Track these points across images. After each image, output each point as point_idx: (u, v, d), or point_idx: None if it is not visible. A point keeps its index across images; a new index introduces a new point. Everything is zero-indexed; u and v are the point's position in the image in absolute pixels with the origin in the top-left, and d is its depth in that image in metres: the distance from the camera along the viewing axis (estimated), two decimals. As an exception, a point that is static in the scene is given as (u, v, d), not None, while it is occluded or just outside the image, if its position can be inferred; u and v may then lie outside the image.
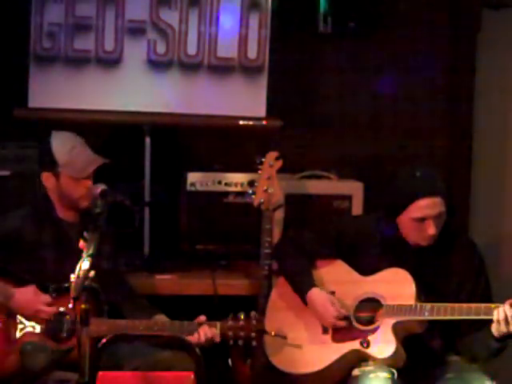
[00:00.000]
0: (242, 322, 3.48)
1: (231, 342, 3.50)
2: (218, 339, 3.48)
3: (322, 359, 3.49)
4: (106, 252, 3.63)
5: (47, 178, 3.63)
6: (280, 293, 3.72)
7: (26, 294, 3.43)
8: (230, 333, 3.48)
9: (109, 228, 3.61)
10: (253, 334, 3.49)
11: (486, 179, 5.00)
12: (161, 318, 3.62)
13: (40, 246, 3.57)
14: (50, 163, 3.61)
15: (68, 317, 3.43)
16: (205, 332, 3.46)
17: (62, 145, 3.63)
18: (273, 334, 3.55)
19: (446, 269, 3.49)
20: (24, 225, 3.59)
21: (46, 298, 3.44)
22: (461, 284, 3.47)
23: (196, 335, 3.47)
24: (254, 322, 3.50)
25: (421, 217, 3.39)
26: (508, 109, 4.95)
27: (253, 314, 3.51)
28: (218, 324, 3.49)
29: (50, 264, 3.55)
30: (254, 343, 3.51)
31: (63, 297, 3.41)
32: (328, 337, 3.53)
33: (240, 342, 3.49)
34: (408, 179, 3.46)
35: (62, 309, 3.46)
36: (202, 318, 3.52)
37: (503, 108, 4.97)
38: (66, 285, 3.35)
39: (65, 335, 3.43)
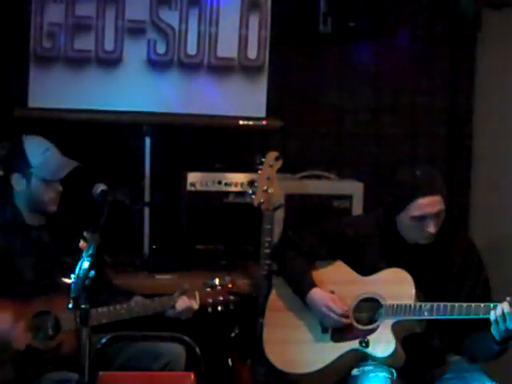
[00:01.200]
0: (218, 287, 3.59)
1: (210, 310, 3.57)
2: (196, 306, 3.54)
3: (322, 359, 3.49)
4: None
5: (17, 180, 3.58)
6: (279, 293, 3.72)
7: (3, 322, 3.33)
8: (210, 299, 3.57)
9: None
10: (231, 297, 3.59)
11: (486, 179, 5.00)
12: (138, 298, 3.60)
13: (11, 255, 3.51)
14: (22, 164, 3.57)
15: (50, 315, 3.41)
16: (180, 304, 3.52)
17: (36, 146, 3.60)
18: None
19: (444, 267, 3.49)
20: None
21: (8, 316, 3.34)
22: (460, 283, 3.48)
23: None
24: (229, 285, 3.60)
25: (421, 215, 3.39)
26: (508, 109, 4.95)
27: (226, 278, 3.62)
28: (197, 292, 3.57)
29: (25, 271, 3.50)
30: (232, 307, 3.60)
31: (40, 297, 3.40)
32: (327, 336, 3.53)
33: (220, 308, 3.57)
34: (408, 178, 3.46)
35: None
36: (186, 286, 3.58)
37: (503, 108, 4.97)
38: (44, 283, 3.39)
39: (50, 333, 3.41)
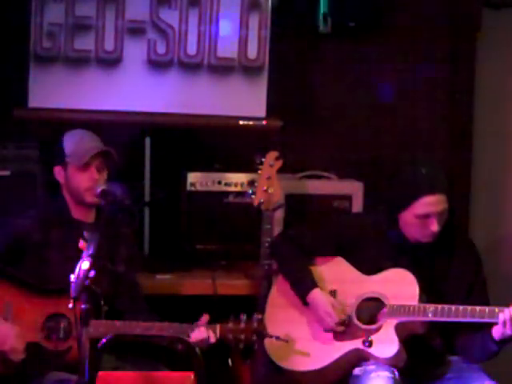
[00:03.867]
0: (242, 325, 3.42)
1: (232, 345, 3.45)
2: (213, 340, 3.42)
3: (324, 357, 3.48)
4: (123, 255, 3.64)
5: (58, 172, 3.63)
6: (280, 290, 3.71)
7: (8, 332, 3.33)
8: (230, 336, 3.43)
9: (127, 230, 3.67)
10: (254, 337, 3.43)
11: (486, 179, 5.00)
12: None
13: (49, 248, 3.53)
14: (60, 155, 3.61)
15: (65, 318, 3.41)
16: (195, 335, 3.41)
17: (71, 137, 3.65)
18: (274, 338, 3.48)
19: (445, 267, 3.49)
20: (33, 227, 3.56)
21: (21, 345, 3.34)
22: (459, 282, 3.47)
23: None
24: (255, 324, 3.43)
25: (424, 213, 3.39)
26: (508, 109, 4.96)
27: (255, 316, 3.45)
28: (218, 326, 3.45)
29: (61, 266, 3.46)
30: (256, 346, 3.48)
31: (63, 297, 3.40)
32: (330, 335, 3.52)
33: (241, 345, 3.44)
34: (412, 176, 3.45)
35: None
36: (205, 317, 3.47)
37: (503, 108, 4.97)
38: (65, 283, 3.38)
39: (62, 336, 3.41)
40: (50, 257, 3.53)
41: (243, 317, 3.42)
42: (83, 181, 3.59)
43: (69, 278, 3.36)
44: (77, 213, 3.64)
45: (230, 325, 3.44)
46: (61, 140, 3.65)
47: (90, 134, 3.69)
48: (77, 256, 3.40)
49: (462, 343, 3.47)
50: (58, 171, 3.64)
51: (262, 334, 3.46)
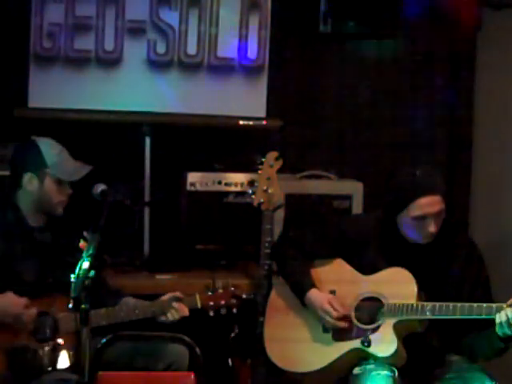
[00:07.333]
0: (220, 291, 3.56)
1: (212, 313, 3.54)
2: (186, 313, 3.50)
3: (323, 358, 3.48)
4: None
5: (30, 180, 3.53)
6: (280, 291, 3.71)
7: (4, 301, 3.33)
8: (211, 303, 3.54)
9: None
10: (233, 301, 3.56)
11: (486, 179, 5.00)
12: (129, 299, 3.59)
13: (13, 257, 3.48)
14: (38, 164, 3.53)
15: (48, 316, 3.40)
16: (172, 313, 3.49)
17: (51, 147, 3.58)
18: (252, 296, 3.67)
19: (445, 266, 3.49)
20: None
21: (24, 300, 3.34)
22: (461, 282, 3.46)
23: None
24: (231, 288, 3.57)
25: (421, 215, 3.39)
26: (508, 109, 4.95)
27: (229, 281, 3.59)
28: (197, 295, 3.54)
29: (27, 272, 3.46)
30: (235, 310, 3.57)
31: (42, 297, 3.40)
32: (329, 335, 3.52)
33: (223, 311, 3.54)
34: (408, 178, 3.45)
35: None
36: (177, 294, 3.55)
37: (503, 108, 4.97)
38: (43, 283, 3.39)
39: (48, 335, 3.40)
40: (15, 266, 3.47)
41: (218, 283, 3.58)
42: (59, 194, 3.55)
43: (41, 279, 3.41)
44: (32, 220, 3.58)
45: (209, 293, 3.56)
46: (37, 148, 3.54)
47: (63, 147, 3.64)
48: (40, 259, 3.44)
49: (468, 342, 3.47)
50: (29, 179, 3.54)
51: (239, 296, 3.59)
